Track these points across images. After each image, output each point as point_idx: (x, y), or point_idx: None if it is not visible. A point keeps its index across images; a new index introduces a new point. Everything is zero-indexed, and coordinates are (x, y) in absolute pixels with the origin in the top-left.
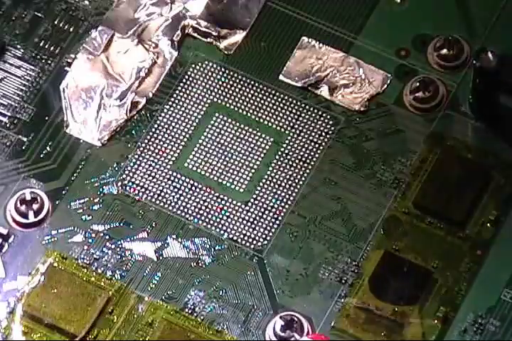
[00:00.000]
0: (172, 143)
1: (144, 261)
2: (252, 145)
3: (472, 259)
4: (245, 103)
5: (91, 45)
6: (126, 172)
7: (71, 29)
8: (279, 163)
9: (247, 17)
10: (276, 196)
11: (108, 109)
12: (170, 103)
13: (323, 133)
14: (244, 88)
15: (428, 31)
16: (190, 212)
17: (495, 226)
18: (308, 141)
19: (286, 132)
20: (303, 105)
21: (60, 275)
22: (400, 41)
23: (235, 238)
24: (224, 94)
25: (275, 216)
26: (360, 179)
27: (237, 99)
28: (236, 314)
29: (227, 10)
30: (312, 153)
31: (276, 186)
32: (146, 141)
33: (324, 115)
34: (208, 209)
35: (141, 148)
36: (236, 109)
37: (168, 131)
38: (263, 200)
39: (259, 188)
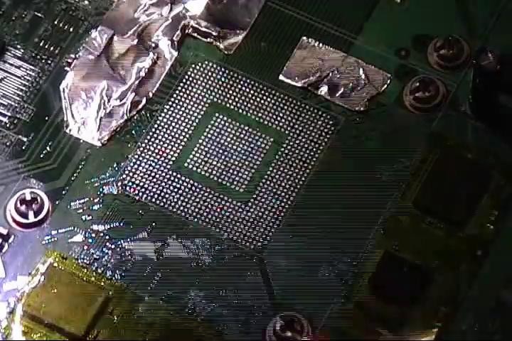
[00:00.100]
0: (172, 143)
1: (144, 261)
2: (252, 145)
3: (472, 259)
4: (245, 103)
5: (91, 45)
6: (126, 172)
7: (71, 29)
8: (279, 163)
9: (247, 17)
10: (276, 196)
11: (108, 109)
12: (170, 103)
13: (323, 133)
14: (244, 88)
15: (428, 31)
16: (190, 212)
17: (495, 226)
18: (308, 141)
19: (286, 132)
20: (303, 105)
21: (60, 275)
22: (400, 41)
23: (235, 238)
24: (224, 94)
25: (275, 216)
26: (360, 179)
27: (237, 99)
28: (236, 314)
29: (227, 10)
30: (312, 153)
31: (276, 186)
32: (146, 140)
33: (324, 115)
34: (208, 209)
35: (141, 148)
36: (236, 109)
37: (168, 131)
38: (263, 200)
39: (259, 188)
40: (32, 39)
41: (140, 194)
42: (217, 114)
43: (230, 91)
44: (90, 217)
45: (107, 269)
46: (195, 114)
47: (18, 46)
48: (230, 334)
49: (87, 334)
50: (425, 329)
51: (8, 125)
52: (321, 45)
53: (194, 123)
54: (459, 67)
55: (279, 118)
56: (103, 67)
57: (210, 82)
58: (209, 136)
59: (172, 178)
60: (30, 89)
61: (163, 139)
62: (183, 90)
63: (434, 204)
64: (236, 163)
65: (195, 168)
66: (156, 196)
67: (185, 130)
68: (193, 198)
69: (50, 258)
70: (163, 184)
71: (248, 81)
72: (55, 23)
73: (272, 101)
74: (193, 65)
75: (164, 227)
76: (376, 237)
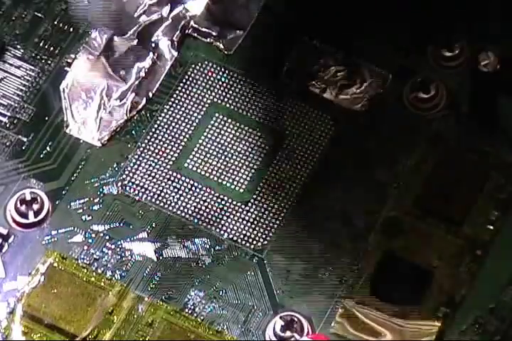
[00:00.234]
0: (172, 143)
1: (143, 261)
2: (252, 145)
3: (472, 259)
4: (245, 103)
5: (91, 45)
6: (126, 172)
7: (71, 29)
8: (279, 163)
9: (247, 17)
10: (276, 196)
11: (108, 109)
12: (170, 103)
13: (323, 134)
14: (244, 88)
15: (428, 31)
16: (190, 212)
17: (495, 226)
18: (308, 141)
19: (286, 132)
20: (303, 105)
21: (60, 275)
22: (400, 41)
23: (234, 238)
24: (224, 94)
25: (275, 216)
26: (360, 179)
27: (237, 99)
28: (236, 314)
29: (227, 10)
30: (312, 153)
31: (276, 186)
32: (146, 141)
33: (324, 115)
34: (207, 209)
35: (141, 148)
36: (236, 109)
37: (168, 131)
38: (263, 200)
39: (259, 188)
40: (32, 39)
41: (140, 194)
42: (217, 114)
43: (230, 92)
44: (90, 217)
45: (107, 269)
46: (195, 114)
47: (18, 46)
48: (230, 334)
49: (86, 335)
50: (425, 329)
51: (8, 125)
52: (321, 45)
53: (194, 123)
54: (458, 67)
55: (279, 118)
56: (103, 67)
57: (210, 82)
58: (209, 136)
59: (172, 178)
60: (30, 89)
61: (163, 139)
62: (183, 90)
63: (434, 204)
64: (236, 163)
65: (195, 168)
66: (156, 196)
67: (185, 130)
68: (193, 198)
69: (50, 258)
70: (163, 184)
71: (248, 81)
72: (55, 23)
73: (272, 101)
74: (193, 65)
75: (164, 227)
76: (376, 237)
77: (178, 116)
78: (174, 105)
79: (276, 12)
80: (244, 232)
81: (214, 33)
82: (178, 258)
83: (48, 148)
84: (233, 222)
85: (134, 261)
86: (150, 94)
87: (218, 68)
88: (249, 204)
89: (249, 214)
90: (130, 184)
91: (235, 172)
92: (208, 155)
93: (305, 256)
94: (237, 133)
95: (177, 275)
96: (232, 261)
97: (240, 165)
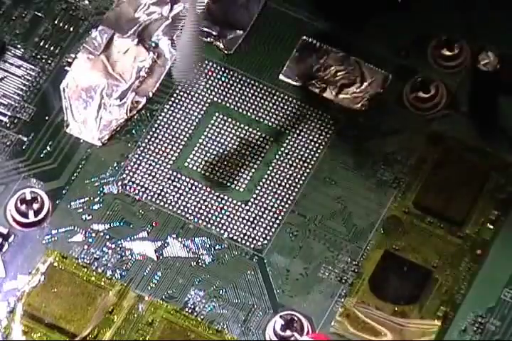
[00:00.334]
0: (172, 143)
1: (144, 261)
2: (252, 145)
3: (472, 259)
4: (245, 103)
5: (91, 45)
6: (127, 171)
7: (71, 29)
8: (279, 162)
9: (247, 17)
10: (276, 196)
11: (108, 108)
12: (170, 103)
13: (323, 133)
14: (244, 88)
15: (428, 31)
16: (190, 211)
17: (495, 226)
18: (308, 141)
19: (286, 132)
20: (303, 105)
21: (60, 274)
22: (400, 41)
23: (235, 237)
24: (224, 93)
25: (275, 215)
26: (360, 179)
27: (237, 99)
28: (236, 313)
29: (227, 10)
30: (312, 153)
31: (276, 186)
32: (146, 140)
33: (324, 115)
34: (207, 209)
35: (142, 148)
36: (236, 108)
37: (169, 131)
38: (263, 200)
39: (259, 188)
40: (32, 39)
41: (140, 193)
42: (217, 114)
43: (230, 91)
44: (90, 217)
45: (107, 269)
46: (195, 114)
47: (19, 46)
48: (230, 334)
49: (87, 334)
50: (425, 329)
51: (8, 124)
52: (321, 45)
53: (194, 123)
54: (458, 67)
55: (279, 118)
56: (103, 66)
57: (210, 82)
58: (209, 135)
59: (172, 178)
60: (30, 89)
61: (164, 139)
62: (183, 90)
63: (434, 204)
64: (236, 162)
65: (195, 168)
66: (156, 196)
67: (185, 130)
68: (193, 198)
69: (51, 257)
70: (164, 184)
71: (248, 81)
72: (55, 22)
73: (272, 101)
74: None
75: (164, 227)
76: (376, 237)
77: (178, 116)
78: (174, 105)
79: (276, 12)
80: (244, 232)
81: (214, 33)
82: (178, 258)
83: (48, 148)
84: (233, 222)
85: (134, 261)
86: (150, 94)
87: (218, 68)
88: (249, 204)
89: (249, 213)
90: (130, 183)
91: (235, 172)
92: (208, 155)
93: (305, 255)
94: (237, 133)
95: (177, 275)
96: (233, 260)
97: (240, 165)
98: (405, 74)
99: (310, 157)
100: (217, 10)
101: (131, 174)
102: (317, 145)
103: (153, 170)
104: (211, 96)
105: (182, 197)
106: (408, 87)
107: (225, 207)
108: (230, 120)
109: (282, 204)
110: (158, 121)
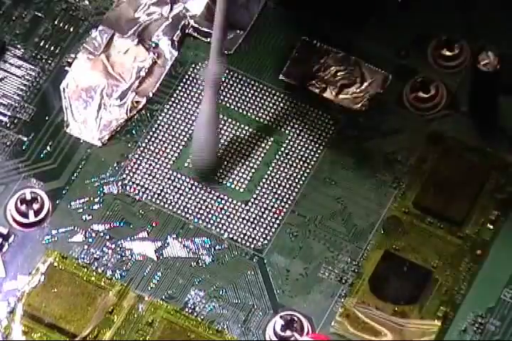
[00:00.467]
0: (172, 143)
1: (144, 261)
2: (252, 145)
3: (472, 259)
4: (245, 103)
5: (91, 45)
6: (127, 171)
7: (71, 29)
8: (279, 162)
9: (247, 17)
10: (276, 196)
11: (108, 108)
12: (170, 103)
13: (323, 133)
14: (244, 88)
15: (428, 31)
16: (190, 211)
17: (495, 227)
18: (308, 141)
19: (286, 132)
20: (303, 105)
21: (60, 274)
22: (400, 41)
23: (235, 238)
24: (224, 93)
25: (275, 216)
26: (360, 179)
27: (237, 99)
28: (236, 313)
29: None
30: (312, 153)
31: (276, 186)
32: (146, 140)
33: (324, 115)
34: (208, 209)
35: (142, 148)
36: (236, 109)
37: (169, 131)
38: (263, 200)
39: (259, 188)
40: (32, 39)
41: (140, 194)
42: None
43: (230, 91)
44: (90, 217)
45: (107, 269)
46: (195, 114)
47: (19, 46)
48: (230, 334)
49: (87, 334)
50: (425, 329)
51: (8, 125)
52: (321, 45)
53: (194, 123)
54: (458, 67)
55: (279, 118)
56: (103, 66)
57: None
58: None
59: (172, 178)
60: (30, 89)
61: (163, 139)
62: (183, 90)
63: (434, 204)
64: (236, 163)
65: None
66: (156, 196)
67: (185, 130)
68: (193, 198)
69: (51, 257)
70: (164, 184)
71: (248, 81)
72: (55, 22)
73: (272, 101)
74: (193, 65)
75: (164, 227)
76: (376, 237)
77: (178, 116)
78: (174, 105)
79: (276, 12)
80: (244, 232)
81: None
82: (178, 258)
83: (48, 148)
84: (233, 222)
85: (134, 261)
86: (150, 94)
87: None
88: (250, 204)
89: (249, 213)
90: (130, 183)
91: (235, 172)
92: None
93: (305, 255)
94: (237, 133)
95: (177, 275)
96: (233, 260)
97: (240, 165)
98: (405, 75)
99: (310, 157)
100: None
101: (131, 174)
102: (317, 145)
103: (154, 170)
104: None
105: (182, 197)
106: (408, 87)
107: (225, 207)
108: (230, 120)
109: (282, 204)
110: (158, 121)
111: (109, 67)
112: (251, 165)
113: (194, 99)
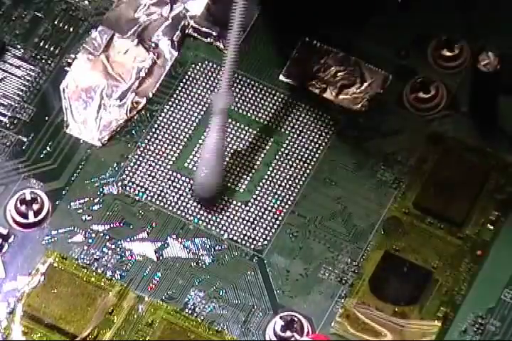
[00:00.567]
0: (172, 143)
1: (143, 261)
2: (252, 145)
3: (472, 259)
4: (245, 103)
5: (91, 45)
6: (126, 172)
7: (71, 29)
8: (279, 163)
9: (247, 17)
10: (276, 196)
11: (108, 109)
12: (170, 103)
13: (323, 133)
14: (244, 88)
15: (428, 31)
16: (190, 212)
17: (495, 227)
18: (308, 141)
19: (286, 132)
20: (303, 105)
21: (60, 275)
22: (400, 41)
23: (235, 238)
24: None
25: (275, 216)
26: (360, 179)
27: (237, 99)
28: (236, 314)
29: (227, 10)
30: (312, 153)
31: (276, 186)
32: (146, 141)
33: (324, 115)
34: (207, 210)
35: (141, 148)
36: (236, 109)
37: (168, 131)
38: (263, 200)
39: (259, 188)
40: (32, 39)
41: (140, 194)
42: None
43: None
44: (90, 217)
45: (107, 269)
46: (195, 114)
47: (18, 46)
48: (230, 335)
49: (86, 335)
50: (425, 330)
51: (8, 125)
52: (321, 45)
53: (194, 123)
54: (459, 67)
55: (279, 118)
56: (103, 67)
57: (210, 82)
58: None
59: (172, 178)
60: (30, 89)
61: (163, 139)
62: (183, 90)
63: (434, 204)
64: (236, 163)
65: (195, 168)
66: (156, 196)
67: (185, 130)
68: (193, 198)
69: (50, 258)
70: (163, 184)
71: (248, 81)
72: (55, 23)
73: (272, 101)
74: (193, 65)
75: (164, 227)
76: (376, 237)
77: (178, 116)
78: (174, 105)
79: (276, 12)
80: (244, 232)
81: (214, 33)
82: (178, 258)
83: (48, 148)
84: (233, 222)
85: (134, 261)
86: (150, 94)
87: (218, 68)
88: (249, 205)
89: (249, 214)
90: (130, 184)
91: (235, 172)
92: None
93: (305, 256)
94: (237, 133)
95: (177, 275)
96: (233, 261)
97: (240, 165)
98: (405, 75)
99: (310, 157)
100: (217, 10)
101: (131, 174)
102: (317, 145)
103: (153, 170)
104: (211, 97)
105: (182, 198)
106: (408, 88)
107: (225, 208)
108: (229, 120)
109: (282, 204)
110: (158, 122)
111: (109, 67)
112: (251, 165)
113: (194, 100)
